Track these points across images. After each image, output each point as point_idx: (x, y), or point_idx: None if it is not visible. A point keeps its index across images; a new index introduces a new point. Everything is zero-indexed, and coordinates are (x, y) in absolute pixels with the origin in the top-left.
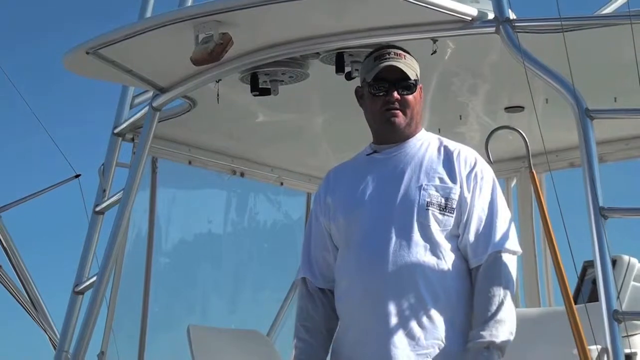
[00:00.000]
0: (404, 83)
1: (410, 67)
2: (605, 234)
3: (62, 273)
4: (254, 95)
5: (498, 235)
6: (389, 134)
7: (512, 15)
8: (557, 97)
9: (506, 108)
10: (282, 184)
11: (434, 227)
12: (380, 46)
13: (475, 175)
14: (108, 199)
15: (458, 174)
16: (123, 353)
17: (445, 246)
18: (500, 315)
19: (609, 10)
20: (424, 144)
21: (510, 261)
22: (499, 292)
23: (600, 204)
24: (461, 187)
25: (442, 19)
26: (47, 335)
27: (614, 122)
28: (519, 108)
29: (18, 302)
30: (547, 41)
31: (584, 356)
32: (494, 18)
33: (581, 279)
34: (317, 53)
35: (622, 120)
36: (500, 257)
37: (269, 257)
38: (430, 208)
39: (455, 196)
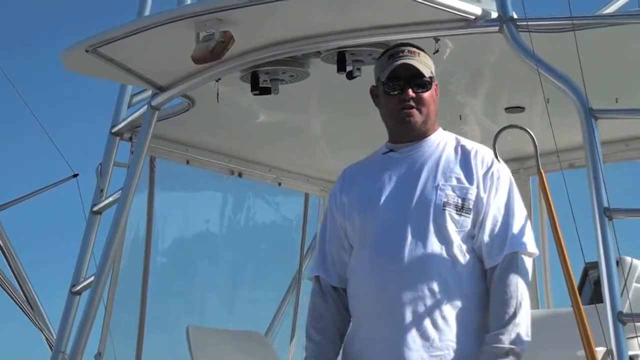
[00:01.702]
0: (418, 81)
1: (424, 64)
2: (615, 235)
3: (60, 273)
4: (254, 95)
5: (514, 236)
6: (405, 133)
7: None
8: (557, 97)
9: (506, 108)
10: (280, 184)
11: (451, 228)
12: (394, 44)
13: (492, 175)
14: (106, 198)
15: (475, 174)
16: (120, 354)
17: (462, 247)
18: (518, 319)
19: (610, 10)
20: (441, 143)
21: (527, 262)
22: (516, 294)
23: (605, 205)
24: (478, 187)
25: (445, 18)
26: (43, 335)
27: (615, 123)
28: (519, 108)
29: (15, 301)
30: (547, 41)
31: (591, 358)
32: (497, 17)
33: (582, 280)
34: (318, 52)
35: (623, 121)
36: (517, 258)
37: (267, 258)
38: (447, 208)
39: (472, 196)
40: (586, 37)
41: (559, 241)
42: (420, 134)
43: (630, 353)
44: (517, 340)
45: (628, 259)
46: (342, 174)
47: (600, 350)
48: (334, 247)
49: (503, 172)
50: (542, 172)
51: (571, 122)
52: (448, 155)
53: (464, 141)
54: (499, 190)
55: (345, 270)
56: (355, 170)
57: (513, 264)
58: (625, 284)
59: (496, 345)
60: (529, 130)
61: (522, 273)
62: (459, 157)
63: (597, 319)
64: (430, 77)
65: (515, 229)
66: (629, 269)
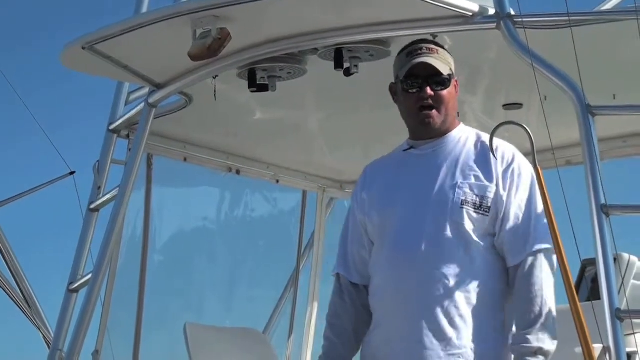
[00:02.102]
0: (437, 79)
1: (443, 61)
2: (611, 232)
3: (57, 271)
4: (252, 92)
5: (537, 234)
6: (424, 132)
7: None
8: (554, 94)
9: (504, 105)
10: (278, 181)
11: (468, 226)
12: (412, 41)
13: (512, 171)
14: (103, 196)
15: (494, 172)
16: (118, 351)
17: (479, 245)
18: (545, 318)
19: (608, 6)
20: (462, 139)
21: (551, 260)
22: (541, 293)
23: (602, 201)
24: (497, 185)
25: (442, 15)
26: (41, 333)
27: (612, 120)
28: (517, 105)
29: (12, 300)
30: (543, 37)
31: (589, 355)
32: (494, 14)
33: (580, 277)
34: (315, 49)
35: (621, 118)
36: (541, 256)
37: (265, 255)
38: (464, 207)
39: (491, 195)
40: (584, 34)
41: (555, 238)
42: (440, 132)
43: (628, 350)
44: (545, 338)
45: (626, 255)
46: (363, 172)
47: (597, 348)
48: (355, 246)
49: (524, 168)
50: (539, 168)
51: (569, 119)
52: (468, 152)
53: (485, 137)
54: (520, 187)
55: (365, 267)
56: (376, 167)
57: (537, 261)
58: (623, 280)
59: (524, 345)
60: (525, 127)
61: (547, 270)
62: (478, 153)
63: (596, 316)
64: (449, 75)
65: (539, 226)
66: (627, 266)
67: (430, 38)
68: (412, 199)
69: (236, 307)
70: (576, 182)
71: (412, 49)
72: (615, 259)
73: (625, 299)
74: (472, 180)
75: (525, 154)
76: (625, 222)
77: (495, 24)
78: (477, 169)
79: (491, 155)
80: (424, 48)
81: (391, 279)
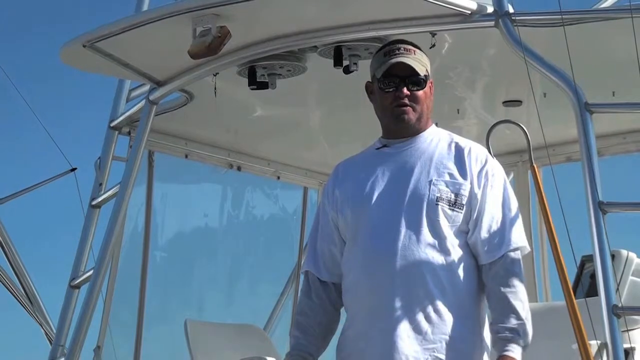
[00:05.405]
0: (413, 79)
1: (420, 62)
2: (605, 228)
3: (59, 267)
4: (252, 89)
5: (512, 233)
6: (399, 129)
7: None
8: (555, 91)
9: (504, 102)
10: (279, 178)
11: (443, 223)
12: (390, 41)
13: (486, 172)
14: (104, 192)
15: (469, 171)
16: (119, 347)
17: (454, 242)
18: (525, 313)
19: (607, 4)
20: (435, 139)
21: (521, 258)
22: (519, 289)
23: (600, 198)
24: (471, 183)
25: (441, 13)
26: (43, 329)
27: (612, 117)
28: (516, 102)
29: (14, 296)
30: (544, 35)
31: (584, 351)
32: (493, 12)
33: (579, 273)
34: (315, 46)
35: (620, 115)
36: (517, 254)
37: (266, 251)
38: (439, 203)
39: (465, 192)
40: (583, 32)
41: (551, 234)
42: (413, 131)
43: (625, 346)
44: (525, 332)
45: (624, 252)
46: (335, 169)
47: (594, 344)
48: (324, 243)
49: (497, 169)
50: (535, 166)
51: (568, 115)
52: (441, 151)
53: (458, 138)
54: (494, 187)
55: (335, 264)
56: (348, 165)
57: (512, 260)
58: (622, 277)
59: (510, 334)
60: (521, 125)
61: (521, 269)
62: (452, 153)
63: (594, 312)
64: (425, 76)
65: (513, 225)
66: (625, 263)
67: (429, 35)
68: (386, 196)
69: (237, 303)
70: (578, 178)
71: (390, 48)
72: (613, 256)
73: (622, 296)
74: (447, 177)
75: (526, 151)
76: (628, 218)
77: (493, 22)
78: (451, 167)
79: (465, 155)
80: (402, 48)
81: (366, 275)
